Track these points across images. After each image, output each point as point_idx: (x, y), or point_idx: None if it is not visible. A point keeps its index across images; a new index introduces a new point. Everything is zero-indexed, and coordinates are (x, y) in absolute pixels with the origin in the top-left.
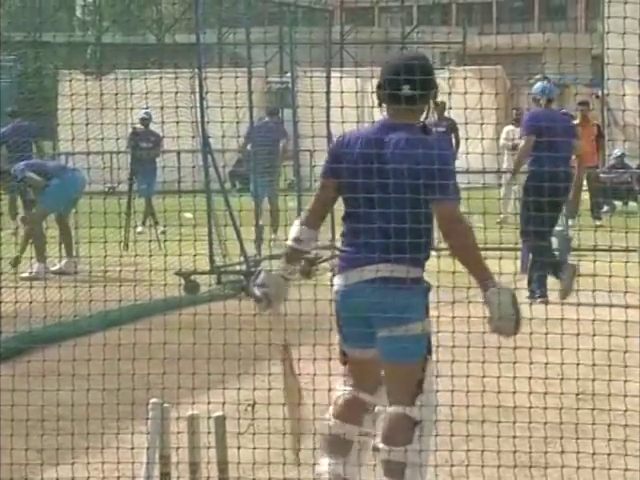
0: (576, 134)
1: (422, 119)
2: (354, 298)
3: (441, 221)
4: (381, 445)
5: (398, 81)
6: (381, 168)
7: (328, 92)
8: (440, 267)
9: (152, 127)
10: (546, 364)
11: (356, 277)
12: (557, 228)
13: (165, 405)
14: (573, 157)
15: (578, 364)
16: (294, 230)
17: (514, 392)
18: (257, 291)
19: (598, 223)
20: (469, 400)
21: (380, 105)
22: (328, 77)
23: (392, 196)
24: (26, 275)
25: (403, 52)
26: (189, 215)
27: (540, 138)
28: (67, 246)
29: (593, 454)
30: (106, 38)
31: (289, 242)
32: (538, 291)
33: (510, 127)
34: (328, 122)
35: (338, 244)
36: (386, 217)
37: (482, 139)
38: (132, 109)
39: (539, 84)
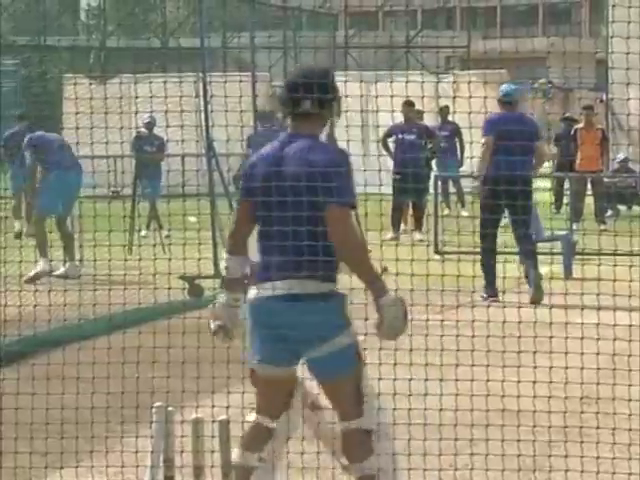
0: (537, 136)
1: (323, 128)
2: (269, 315)
3: (328, 225)
4: (348, 464)
5: (297, 92)
6: (281, 185)
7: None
8: (444, 271)
9: (156, 131)
10: (550, 368)
11: (268, 292)
12: (561, 232)
13: (169, 409)
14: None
15: (582, 368)
16: (224, 261)
17: (518, 396)
18: (212, 325)
19: (602, 227)
20: (473, 404)
21: (284, 117)
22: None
23: (291, 213)
24: (31, 274)
25: (302, 65)
26: (193, 219)
27: (499, 141)
28: (69, 250)
29: (597, 458)
30: (110, 42)
31: (223, 272)
32: (489, 291)
33: None
34: (332, 126)
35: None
36: (292, 234)
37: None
38: (137, 113)
39: (504, 86)
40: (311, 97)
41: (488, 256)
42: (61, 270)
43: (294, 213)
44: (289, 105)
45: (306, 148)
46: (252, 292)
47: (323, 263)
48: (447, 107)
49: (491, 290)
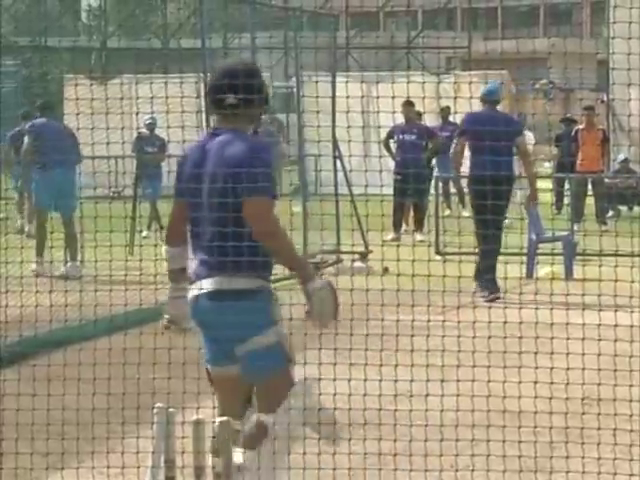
0: (519, 134)
1: (250, 124)
2: (201, 314)
3: (246, 219)
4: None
5: (221, 88)
6: (203, 185)
7: (333, 97)
8: (445, 272)
9: (157, 132)
10: (551, 369)
11: (196, 291)
12: (562, 233)
13: (170, 410)
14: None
15: (583, 369)
16: (165, 253)
17: (519, 397)
18: (164, 320)
19: (603, 228)
20: (474, 405)
21: (209, 113)
22: (333, 82)
23: (215, 212)
24: (32, 268)
25: (229, 60)
26: None
27: (478, 140)
28: (72, 250)
29: (598, 459)
30: (111, 43)
31: (165, 264)
32: (488, 291)
33: None
34: (334, 127)
35: (343, 248)
36: (217, 232)
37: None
38: (138, 114)
39: (488, 84)
40: (234, 97)
41: (491, 257)
42: (62, 270)
43: (217, 212)
44: (213, 104)
45: (223, 144)
46: (189, 292)
47: (248, 259)
48: (448, 108)
49: (495, 288)
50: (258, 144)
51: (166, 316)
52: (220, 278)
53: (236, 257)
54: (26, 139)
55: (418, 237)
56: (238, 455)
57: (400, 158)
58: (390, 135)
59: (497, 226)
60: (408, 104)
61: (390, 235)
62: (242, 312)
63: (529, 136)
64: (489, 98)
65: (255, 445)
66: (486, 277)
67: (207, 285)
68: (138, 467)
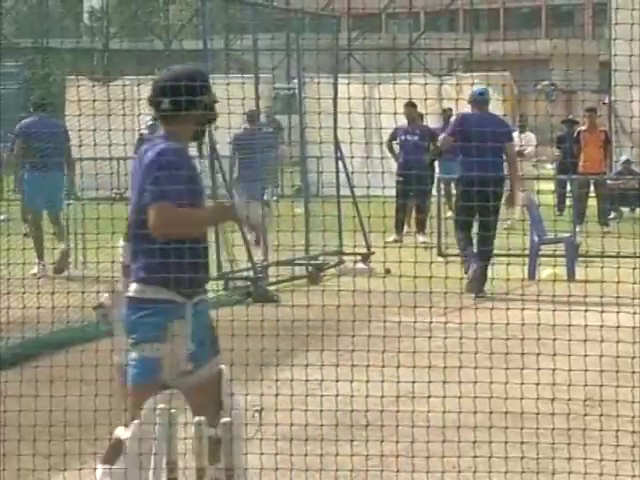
0: (509, 137)
1: (189, 131)
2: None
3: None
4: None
5: (159, 91)
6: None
7: (335, 98)
8: (447, 273)
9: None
10: (553, 370)
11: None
12: (564, 234)
13: (172, 411)
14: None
15: (586, 370)
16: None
17: (521, 398)
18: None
19: (605, 229)
20: (476, 406)
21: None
22: (335, 83)
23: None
24: (33, 271)
25: (171, 68)
26: None
27: (468, 141)
28: (59, 238)
29: (601, 460)
30: (113, 44)
31: (121, 258)
32: (481, 292)
33: (514, 134)
34: (335, 128)
35: (345, 250)
36: (132, 236)
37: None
38: (139, 115)
39: (478, 87)
40: (168, 101)
41: (468, 257)
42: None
43: (134, 216)
44: (153, 106)
45: (144, 150)
46: None
47: (144, 266)
48: (450, 109)
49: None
50: (160, 152)
51: (101, 299)
52: (133, 283)
53: (147, 267)
54: (16, 140)
55: (420, 239)
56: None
57: (402, 159)
58: (393, 136)
59: (494, 228)
60: (410, 105)
61: (392, 237)
62: (138, 317)
63: (531, 137)
64: (480, 99)
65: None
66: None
67: (129, 291)
68: (140, 468)
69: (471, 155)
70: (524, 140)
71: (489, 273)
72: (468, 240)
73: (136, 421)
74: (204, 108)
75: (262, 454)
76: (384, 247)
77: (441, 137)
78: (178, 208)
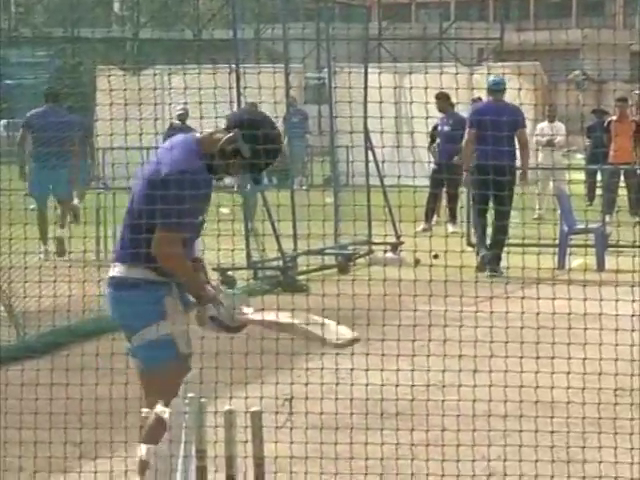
0: (522, 124)
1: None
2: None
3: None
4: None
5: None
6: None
7: (365, 88)
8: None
9: (189, 123)
10: (584, 359)
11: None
12: (594, 225)
13: (202, 400)
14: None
15: (617, 359)
16: None
17: (552, 387)
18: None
19: (637, 219)
20: (507, 395)
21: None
22: (366, 73)
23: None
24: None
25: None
26: (226, 210)
27: (483, 131)
28: (63, 217)
29: (631, 449)
30: (144, 34)
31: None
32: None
33: (544, 124)
34: (365, 118)
35: (375, 240)
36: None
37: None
38: (170, 104)
39: (493, 77)
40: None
41: (481, 242)
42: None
43: (135, 206)
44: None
45: (169, 146)
46: None
47: (130, 250)
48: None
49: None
50: (192, 164)
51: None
52: (121, 265)
53: (138, 253)
54: (21, 130)
55: (450, 229)
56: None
57: (437, 149)
58: (435, 127)
59: (507, 217)
60: (439, 97)
61: (421, 226)
62: (132, 303)
63: (560, 127)
64: (495, 88)
65: (154, 439)
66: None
67: (111, 271)
68: (171, 456)
69: (485, 144)
70: (554, 130)
71: (509, 259)
72: (482, 227)
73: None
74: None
75: (292, 443)
76: (414, 236)
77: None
78: (181, 248)
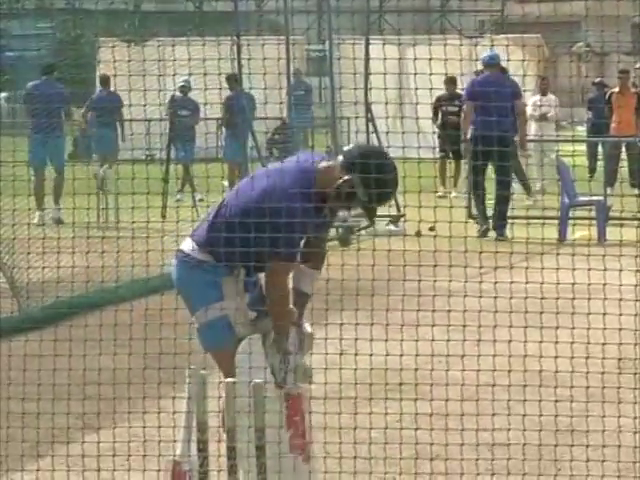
0: (517, 95)
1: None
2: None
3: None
4: None
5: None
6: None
7: (367, 60)
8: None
9: (193, 94)
10: (588, 329)
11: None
12: (595, 197)
13: (202, 372)
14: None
15: (620, 329)
16: None
17: (556, 357)
18: None
19: (637, 192)
20: (511, 365)
21: None
22: (367, 45)
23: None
24: (35, 220)
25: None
26: (227, 183)
27: (482, 102)
28: (56, 195)
29: (635, 418)
30: (146, 6)
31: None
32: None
33: (536, 97)
34: (366, 89)
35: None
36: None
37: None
38: (174, 75)
39: (488, 52)
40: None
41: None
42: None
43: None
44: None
45: (275, 171)
46: None
47: (203, 236)
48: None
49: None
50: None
51: None
52: (190, 243)
53: (214, 238)
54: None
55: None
56: None
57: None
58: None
59: (504, 185)
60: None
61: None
62: (192, 282)
63: (551, 99)
64: (491, 63)
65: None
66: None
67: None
68: (174, 427)
69: (483, 115)
70: (546, 103)
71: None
72: (481, 198)
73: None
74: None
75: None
76: (419, 207)
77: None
78: (287, 290)
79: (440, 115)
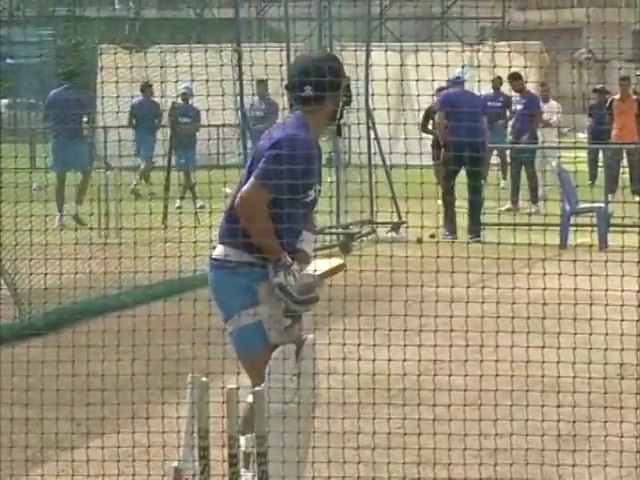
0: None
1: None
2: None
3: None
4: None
5: (298, 81)
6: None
7: (367, 67)
8: (484, 239)
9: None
10: (590, 334)
11: None
12: (596, 204)
13: (203, 379)
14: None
15: (622, 334)
16: None
17: (558, 362)
18: None
19: (638, 199)
20: (513, 370)
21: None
22: (367, 52)
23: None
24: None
25: (304, 55)
26: (229, 190)
27: (450, 114)
28: (79, 195)
29: (637, 423)
30: (146, 13)
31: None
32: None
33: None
34: (367, 96)
35: (378, 219)
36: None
37: None
38: (177, 81)
39: (457, 70)
40: (313, 84)
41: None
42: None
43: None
44: (291, 92)
45: (277, 125)
46: None
47: (241, 231)
48: (500, 78)
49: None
50: (290, 138)
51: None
52: (219, 247)
53: (232, 226)
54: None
55: (533, 209)
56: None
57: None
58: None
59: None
60: (517, 76)
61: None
62: (227, 287)
63: (553, 106)
64: (458, 80)
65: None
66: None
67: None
68: (178, 432)
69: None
70: (548, 109)
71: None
72: (449, 203)
73: (269, 375)
74: (342, 90)
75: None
76: (422, 213)
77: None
78: (265, 205)
79: (432, 123)
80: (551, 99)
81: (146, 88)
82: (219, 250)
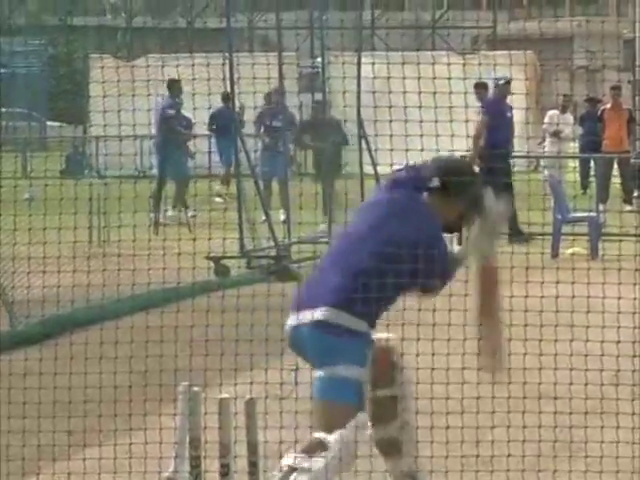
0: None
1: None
2: (302, 344)
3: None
4: None
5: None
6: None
7: (359, 77)
8: None
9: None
10: (586, 341)
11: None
12: (587, 213)
13: (194, 389)
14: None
15: (618, 342)
16: None
17: (555, 368)
18: None
19: (628, 208)
20: (511, 377)
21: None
22: (359, 62)
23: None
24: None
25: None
26: (219, 199)
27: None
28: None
29: (632, 429)
30: (137, 22)
31: None
32: None
33: (555, 112)
34: (359, 107)
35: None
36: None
37: None
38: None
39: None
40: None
41: None
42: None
43: (365, 254)
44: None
45: (405, 202)
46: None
47: (341, 293)
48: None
49: None
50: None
51: None
52: (328, 310)
53: (345, 295)
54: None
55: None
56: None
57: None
58: None
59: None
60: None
61: None
62: (338, 344)
63: (568, 119)
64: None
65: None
66: None
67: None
68: (160, 443)
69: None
70: (562, 121)
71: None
72: None
73: (344, 430)
74: (470, 201)
75: (297, 412)
76: None
77: None
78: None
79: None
80: (568, 112)
81: (226, 98)
82: (328, 313)
